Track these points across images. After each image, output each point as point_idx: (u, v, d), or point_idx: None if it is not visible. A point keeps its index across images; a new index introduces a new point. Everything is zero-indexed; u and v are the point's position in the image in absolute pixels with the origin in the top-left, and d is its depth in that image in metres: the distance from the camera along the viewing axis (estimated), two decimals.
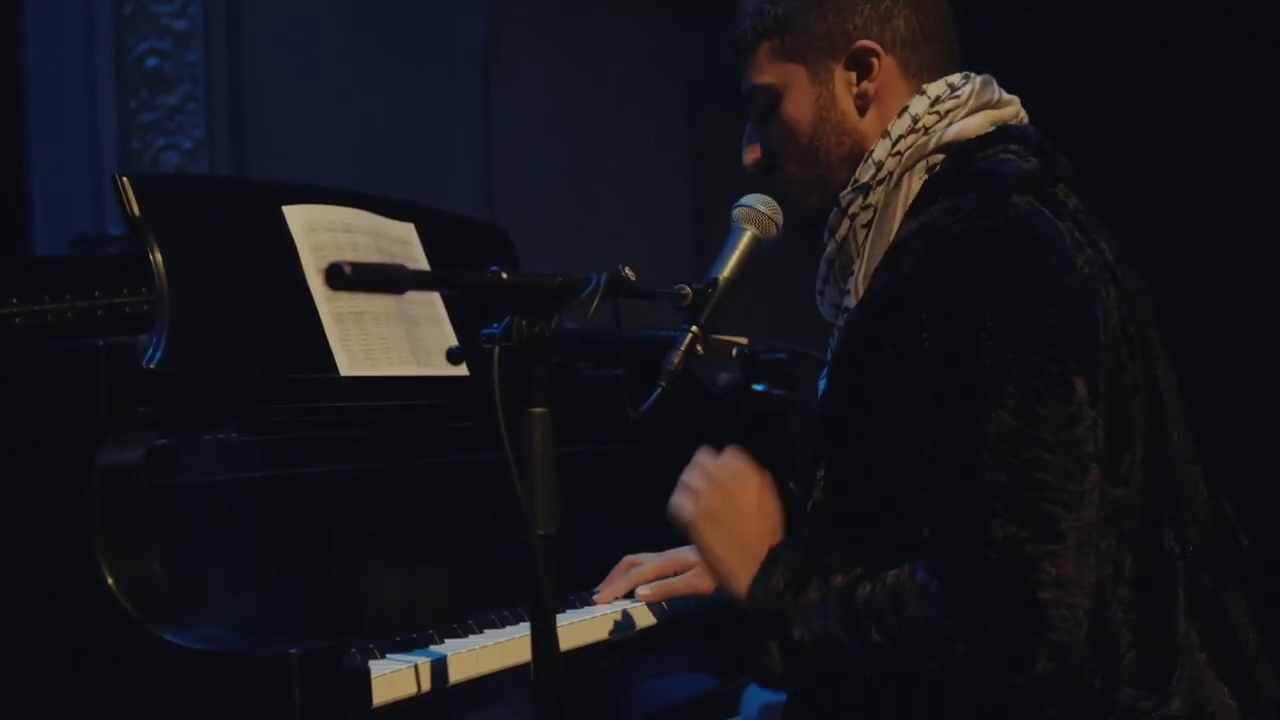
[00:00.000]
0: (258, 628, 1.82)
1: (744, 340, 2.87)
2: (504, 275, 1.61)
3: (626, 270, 1.78)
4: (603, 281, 1.75)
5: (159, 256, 2.12)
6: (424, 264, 2.59)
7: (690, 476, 2.00)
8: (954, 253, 1.80)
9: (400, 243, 2.60)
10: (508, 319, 1.65)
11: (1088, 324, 1.78)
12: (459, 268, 2.67)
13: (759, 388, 2.96)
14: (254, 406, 2.02)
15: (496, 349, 1.63)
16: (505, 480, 1.64)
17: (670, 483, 2.80)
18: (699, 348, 2.77)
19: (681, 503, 1.98)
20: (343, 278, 1.37)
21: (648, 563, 2.36)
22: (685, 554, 2.34)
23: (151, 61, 4.39)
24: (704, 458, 2.03)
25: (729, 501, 1.97)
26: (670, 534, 2.58)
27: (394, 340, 2.45)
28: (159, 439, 1.79)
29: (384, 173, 4.47)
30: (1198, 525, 1.92)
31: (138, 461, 1.76)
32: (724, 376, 2.81)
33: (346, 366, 2.35)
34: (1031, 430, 1.72)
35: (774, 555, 1.90)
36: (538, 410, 1.64)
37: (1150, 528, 1.83)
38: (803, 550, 1.91)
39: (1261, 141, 4.16)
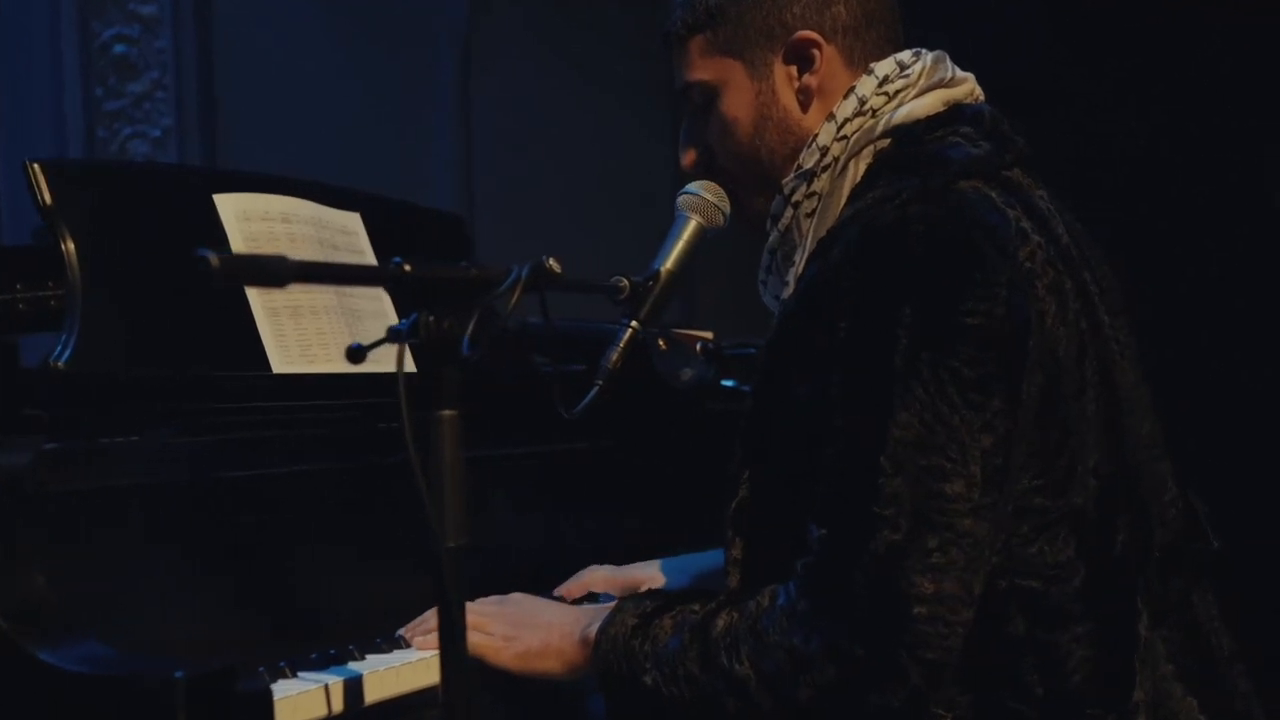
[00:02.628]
0: (159, 646, 1.70)
1: (709, 335, 2.75)
2: (407, 267, 1.49)
3: (551, 261, 1.66)
4: (524, 273, 1.62)
5: (71, 247, 2.02)
6: (369, 254, 2.48)
7: (477, 624, 1.89)
8: (883, 241, 1.68)
9: (344, 233, 2.48)
10: (414, 314, 1.53)
11: (1016, 325, 1.66)
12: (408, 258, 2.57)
13: (728, 383, 2.85)
14: (166, 407, 1.91)
15: (400, 347, 1.50)
16: None
17: (635, 483, 2.73)
18: (662, 343, 2.66)
19: (482, 646, 1.86)
20: (209, 270, 1.24)
21: (603, 570, 2.25)
22: (639, 571, 2.24)
23: (118, 48, 4.27)
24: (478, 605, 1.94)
25: (521, 611, 1.91)
26: (631, 537, 2.50)
27: (334, 335, 2.33)
28: (49, 444, 1.67)
29: (359, 162, 4.35)
30: (1165, 526, 1.81)
31: (23, 468, 1.64)
32: (687, 372, 2.69)
33: (280, 363, 2.23)
34: (934, 437, 1.61)
35: (620, 605, 1.82)
36: (447, 414, 1.52)
37: (1103, 533, 1.71)
38: (649, 597, 1.82)
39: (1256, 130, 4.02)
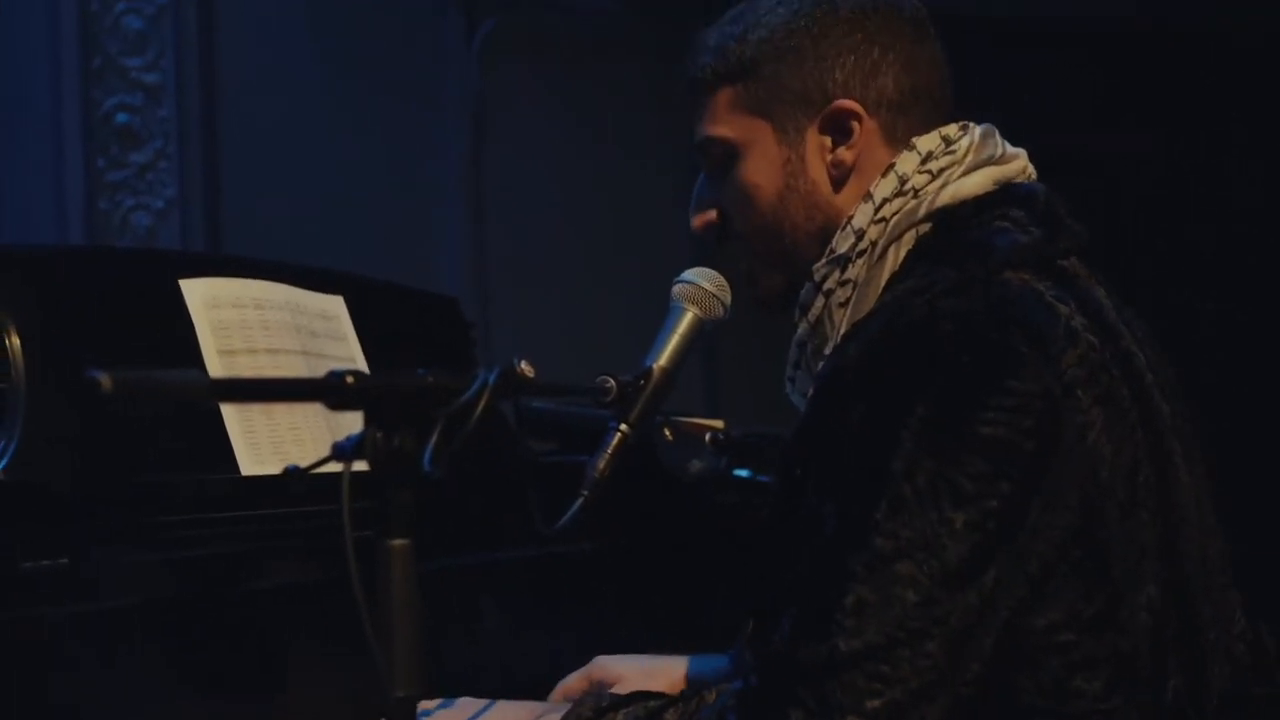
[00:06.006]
0: None
1: (719, 424, 2.56)
2: (349, 379, 1.32)
3: (523, 365, 1.49)
4: (492, 379, 1.45)
5: (16, 342, 1.87)
6: (351, 340, 2.32)
7: None
8: (907, 337, 1.50)
9: (323, 318, 2.32)
10: (363, 431, 1.35)
11: (1046, 441, 1.47)
12: (396, 345, 2.41)
13: (742, 473, 2.67)
14: (118, 520, 1.74)
15: (345, 470, 1.33)
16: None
17: (643, 586, 2.54)
18: (669, 433, 2.47)
19: None
20: (101, 394, 1.07)
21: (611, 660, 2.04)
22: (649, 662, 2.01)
23: (121, 117, 4.15)
24: None
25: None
26: (638, 646, 2.31)
27: (310, 431, 2.17)
28: None
29: (368, 232, 4.22)
30: (1232, 662, 1.60)
31: None
32: (696, 464, 2.51)
33: (250, 464, 2.06)
34: (915, 551, 1.44)
35: (580, 700, 1.70)
36: (397, 543, 1.34)
37: (1153, 676, 1.51)
38: (613, 695, 1.69)
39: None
